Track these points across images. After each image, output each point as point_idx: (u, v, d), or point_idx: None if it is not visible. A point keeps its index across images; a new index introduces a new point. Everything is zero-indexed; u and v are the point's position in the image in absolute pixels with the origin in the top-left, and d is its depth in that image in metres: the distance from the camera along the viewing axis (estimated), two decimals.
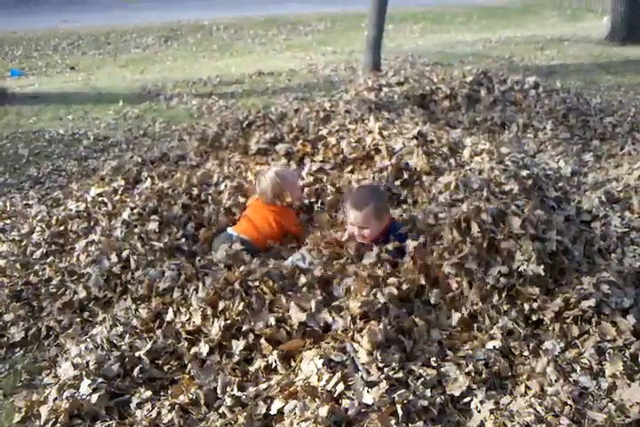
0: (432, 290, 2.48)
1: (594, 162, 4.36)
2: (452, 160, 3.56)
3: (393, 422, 1.90)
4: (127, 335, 2.48)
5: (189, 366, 2.31)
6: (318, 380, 2.06)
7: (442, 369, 2.15)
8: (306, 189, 3.51)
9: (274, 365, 2.25)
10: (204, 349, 2.34)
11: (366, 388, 2.01)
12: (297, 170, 3.71)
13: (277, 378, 2.17)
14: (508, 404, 2.02)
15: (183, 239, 3.17)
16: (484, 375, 2.13)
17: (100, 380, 2.23)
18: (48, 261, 3.19)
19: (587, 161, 4.38)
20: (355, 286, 2.47)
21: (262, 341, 2.32)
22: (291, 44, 11.51)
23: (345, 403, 1.97)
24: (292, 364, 2.23)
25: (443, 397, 2.04)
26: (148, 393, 2.21)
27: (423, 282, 2.49)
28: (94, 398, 2.17)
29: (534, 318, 2.40)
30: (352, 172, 3.67)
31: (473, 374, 2.13)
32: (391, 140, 3.75)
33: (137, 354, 2.36)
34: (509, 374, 2.18)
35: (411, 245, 2.59)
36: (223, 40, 12.18)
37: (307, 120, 4.52)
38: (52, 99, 7.25)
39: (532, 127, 4.99)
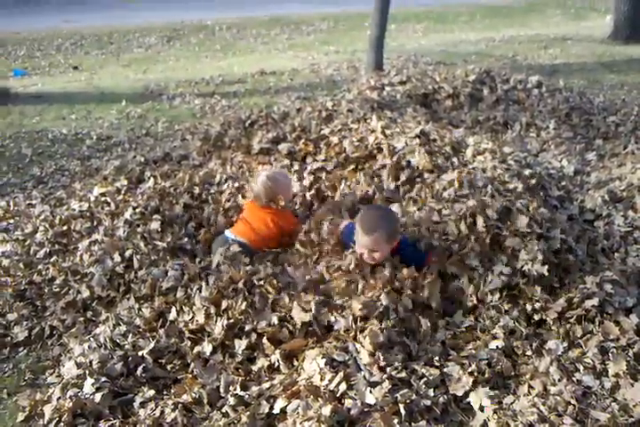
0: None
1: (597, 161, 4.35)
2: (454, 159, 3.55)
3: (396, 421, 1.90)
4: (130, 335, 2.49)
5: (192, 365, 2.32)
6: (321, 379, 2.06)
7: (445, 369, 2.15)
8: (307, 189, 3.51)
9: (276, 364, 2.25)
10: (207, 348, 2.35)
11: (369, 388, 2.01)
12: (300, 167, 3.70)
13: (280, 377, 2.18)
14: (511, 403, 2.01)
15: (186, 239, 3.17)
16: (486, 375, 2.13)
17: (103, 379, 2.24)
18: (51, 260, 3.19)
19: (590, 160, 4.37)
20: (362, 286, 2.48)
21: (264, 340, 2.32)
22: (293, 44, 11.51)
23: (348, 403, 1.97)
24: (295, 363, 2.24)
25: (446, 396, 2.05)
26: (152, 392, 2.21)
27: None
28: (97, 397, 2.17)
29: (537, 317, 2.40)
30: (355, 171, 3.67)
31: (476, 373, 2.12)
32: (394, 140, 3.74)
33: (140, 353, 2.37)
34: (512, 373, 2.18)
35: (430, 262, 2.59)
36: (226, 40, 12.18)
37: (309, 119, 4.52)
38: (55, 98, 7.26)
39: (534, 126, 4.99)
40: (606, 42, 10.30)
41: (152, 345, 2.39)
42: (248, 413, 2.01)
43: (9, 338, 2.73)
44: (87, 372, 2.27)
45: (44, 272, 3.09)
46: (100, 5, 17.28)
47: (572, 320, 2.36)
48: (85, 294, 2.86)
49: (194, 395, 2.15)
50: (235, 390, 2.15)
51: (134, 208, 3.36)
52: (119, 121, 6.35)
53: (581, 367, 2.16)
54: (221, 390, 2.17)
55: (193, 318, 2.50)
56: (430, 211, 2.85)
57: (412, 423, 1.91)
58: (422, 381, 2.08)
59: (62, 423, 2.11)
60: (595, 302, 2.34)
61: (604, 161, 4.37)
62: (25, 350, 2.66)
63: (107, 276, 2.91)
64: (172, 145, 5.25)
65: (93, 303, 2.85)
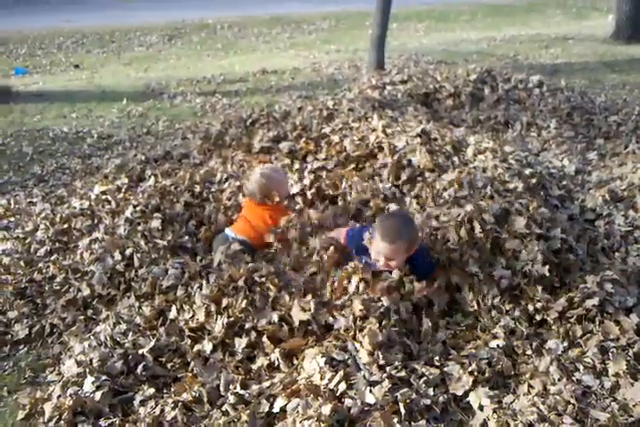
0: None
1: (598, 160, 4.35)
2: (455, 158, 3.55)
3: (395, 420, 1.90)
4: (130, 333, 2.49)
5: (192, 363, 2.32)
6: (321, 378, 2.06)
7: (445, 368, 2.16)
8: (307, 188, 3.51)
9: (276, 363, 2.25)
10: (207, 346, 2.35)
11: (369, 387, 2.01)
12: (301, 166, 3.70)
13: (280, 376, 2.18)
14: (511, 403, 2.02)
15: (186, 237, 3.17)
16: (487, 374, 2.13)
17: (103, 377, 2.24)
18: (52, 258, 3.19)
19: (591, 160, 4.37)
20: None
21: (264, 339, 2.32)
22: (295, 43, 11.50)
23: (347, 402, 1.97)
24: (295, 362, 2.24)
25: (445, 395, 2.05)
26: (152, 391, 2.22)
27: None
28: (98, 395, 2.17)
29: (538, 317, 2.40)
30: (355, 169, 3.67)
31: (476, 373, 2.13)
32: (394, 139, 3.74)
33: (140, 352, 2.37)
34: (512, 373, 2.18)
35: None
36: (227, 39, 12.18)
37: (310, 118, 4.52)
38: (56, 97, 7.26)
39: (535, 126, 4.98)
40: (608, 41, 10.28)
41: (152, 343, 2.39)
42: (248, 411, 2.01)
43: (9, 336, 2.73)
44: (87, 370, 2.28)
45: (44, 270, 3.09)
46: (99, 5, 17.24)
47: (572, 320, 2.36)
48: (86, 292, 2.86)
49: (194, 393, 2.15)
50: (235, 388, 2.15)
51: (135, 206, 3.36)
52: (120, 119, 6.35)
53: (581, 367, 2.16)
54: (221, 388, 2.18)
55: (193, 316, 2.50)
56: (428, 217, 2.85)
57: (412, 423, 1.91)
58: (422, 380, 2.08)
59: (62, 421, 2.12)
60: (595, 301, 2.34)
61: (604, 160, 4.36)
62: (25, 348, 2.66)
63: (107, 274, 2.91)
64: (173, 144, 5.24)
65: (94, 301, 2.85)
